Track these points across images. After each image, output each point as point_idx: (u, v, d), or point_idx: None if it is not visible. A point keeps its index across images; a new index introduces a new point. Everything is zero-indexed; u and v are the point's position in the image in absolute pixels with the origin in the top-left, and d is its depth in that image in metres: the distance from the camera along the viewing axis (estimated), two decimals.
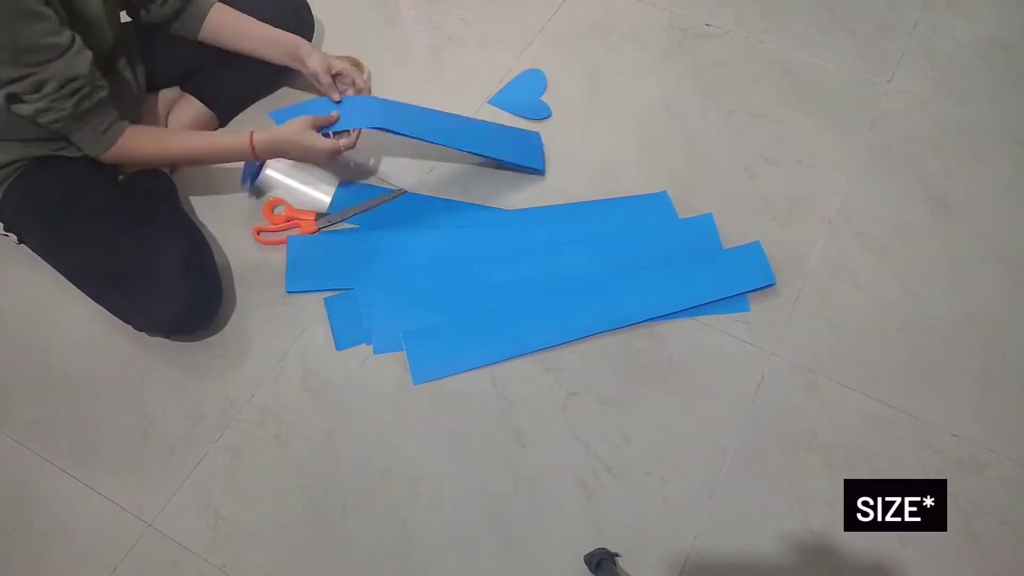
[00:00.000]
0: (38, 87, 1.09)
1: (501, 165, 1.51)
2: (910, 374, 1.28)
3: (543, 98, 1.63)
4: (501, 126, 1.56)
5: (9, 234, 1.32)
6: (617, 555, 1.10)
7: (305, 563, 1.12)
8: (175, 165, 1.44)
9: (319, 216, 1.43)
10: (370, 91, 1.46)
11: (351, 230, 1.43)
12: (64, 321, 1.33)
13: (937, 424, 1.23)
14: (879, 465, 1.19)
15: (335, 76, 1.44)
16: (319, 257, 1.39)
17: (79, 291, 1.29)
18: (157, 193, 1.38)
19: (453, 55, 1.72)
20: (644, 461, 1.20)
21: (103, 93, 1.17)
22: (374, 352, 1.28)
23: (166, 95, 1.50)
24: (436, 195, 1.48)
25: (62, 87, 1.11)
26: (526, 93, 1.65)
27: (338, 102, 1.41)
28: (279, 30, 1.43)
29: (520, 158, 1.50)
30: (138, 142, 1.24)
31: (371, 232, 1.42)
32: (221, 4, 1.41)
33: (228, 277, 1.37)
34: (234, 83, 1.54)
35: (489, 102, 1.63)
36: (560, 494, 1.17)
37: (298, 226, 1.42)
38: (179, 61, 1.45)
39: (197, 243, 1.33)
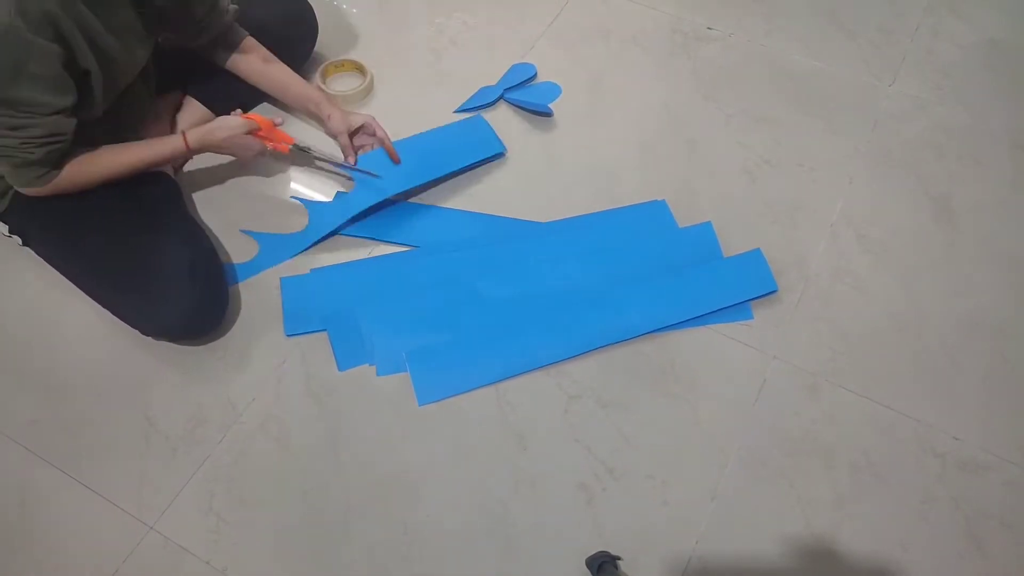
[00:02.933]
0: (15, 128, 1.09)
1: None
2: (912, 377, 1.28)
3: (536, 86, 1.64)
4: (443, 129, 1.56)
5: (13, 236, 1.32)
6: (619, 558, 1.10)
7: (306, 566, 1.11)
8: (115, 180, 1.30)
9: (295, 148, 1.40)
10: (388, 139, 1.47)
11: (346, 263, 1.40)
12: (67, 323, 1.33)
13: (939, 427, 1.22)
14: (881, 468, 1.19)
15: (356, 131, 1.46)
16: (315, 295, 1.36)
17: (82, 293, 1.30)
18: (163, 197, 1.39)
19: (455, 58, 1.73)
20: (645, 464, 1.20)
21: (68, 147, 1.17)
22: (377, 374, 1.28)
23: (170, 99, 1.51)
24: (436, 203, 1.49)
25: (43, 136, 1.11)
26: (529, 88, 1.65)
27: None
28: (302, 81, 1.47)
29: (480, 153, 1.51)
30: (77, 172, 1.21)
31: (366, 261, 1.41)
32: (251, 39, 1.42)
33: (231, 280, 1.37)
34: (236, 87, 1.54)
35: (505, 97, 1.64)
36: (561, 497, 1.17)
37: (275, 146, 1.38)
38: (183, 65, 1.45)
39: (203, 247, 1.33)
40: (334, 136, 1.47)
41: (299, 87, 1.46)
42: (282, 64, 1.46)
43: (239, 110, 1.36)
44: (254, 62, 1.43)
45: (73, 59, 1.11)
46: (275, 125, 1.37)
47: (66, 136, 1.14)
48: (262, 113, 1.49)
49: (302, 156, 1.44)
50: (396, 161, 1.46)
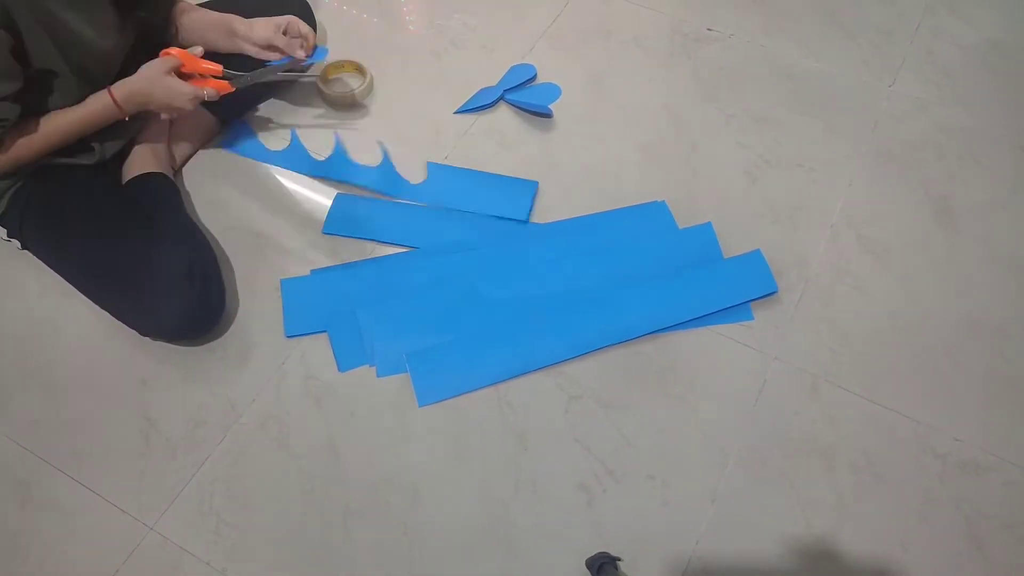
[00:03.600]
0: None
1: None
2: (912, 378, 1.28)
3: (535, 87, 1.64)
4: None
5: (12, 240, 1.33)
6: (619, 559, 1.10)
7: (306, 567, 1.11)
8: (58, 148, 1.28)
9: (228, 76, 1.32)
10: (312, 34, 1.43)
11: (346, 264, 1.40)
12: (66, 324, 1.33)
13: (939, 428, 1.22)
14: (881, 469, 1.19)
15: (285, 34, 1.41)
16: (315, 296, 1.36)
17: (81, 294, 1.30)
18: (160, 197, 1.39)
19: (455, 59, 1.73)
20: (646, 465, 1.20)
21: (6, 133, 1.17)
22: (377, 375, 1.28)
23: None
24: (436, 205, 1.49)
25: None
26: (528, 89, 1.65)
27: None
28: (214, 13, 1.42)
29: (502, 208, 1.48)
30: (16, 150, 1.20)
31: (366, 262, 1.40)
32: (185, 3, 1.41)
33: (231, 280, 1.37)
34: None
35: (507, 98, 1.64)
36: (562, 498, 1.17)
37: (208, 86, 1.30)
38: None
39: (200, 247, 1.33)
40: (267, 44, 1.40)
41: (213, 17, 1.41)
42: (199, 8, 1.42)
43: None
44: (183, 19, 1.39)
45: (25, 50, 1.10)
46: (197, 56, 1.29)
47: (7, 122, 1.13)
48: None
49: (241, 81, 1.34)
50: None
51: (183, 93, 1.26)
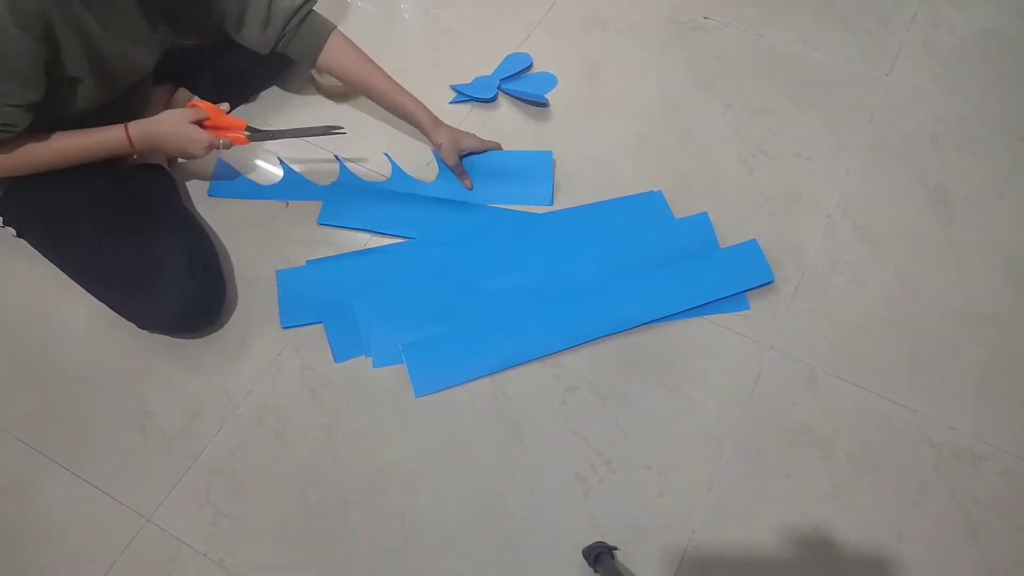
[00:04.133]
0: None
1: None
2: (908, 367, 1.28)
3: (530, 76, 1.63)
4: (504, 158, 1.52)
5: (7, 228, 1.32)
6: (615, 548, 1.11)
7: (303, 557, 1.12)
8: (53, 169, 1.24)
9: (251, 131, 1.31)
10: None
11: (342, 255, 1.40)
12: (62, 316, 1.33)
13: (935, 417, 1.23)
14: (877, 458, 1.19)
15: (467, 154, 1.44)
16: (311, 287, 1.35)
17: (78, 286, 1.29)
18: (159, 189, 1.38)
19: (450, 49, 1.72)
20: (642, 455, 1.20)
21: (14, 138, 1.15)
22: (373, 366, 1.28)
23: (162, 92, 1.49)
24: (432, 194, 1.48)
25: None
26: (524, 79, 1.65)
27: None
28: (403, 96, 1.39)
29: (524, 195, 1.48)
30: (11, 161, 1.17)
31: (362, 253, 1.40)
32: (340, 34, 1.36)
33: (228, 273, 1.37)
34: (227, 80, 1.53)
35: (503, 88, 1.63)
36: (558, 488, 1.17)
37: (226, 136, 1.29)
38: (175, 59, 1.44)
39: (200, 240, 1.33)
40: (443, 158, 1.44)
41: (400, 103, 1.39)
42: (381, 73, 1.39)
43: (195, 98, 1.29)
44: (347, 67, 1.36)
45: (58, 60, 1.09)
46: (223, 112, 1.29)
47: (16, 128, 1.11)
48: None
49: (261, 136, 1.33)
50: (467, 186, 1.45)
51: (198, 141, 1.24)
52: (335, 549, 1.12)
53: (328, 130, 1.35)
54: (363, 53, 1.38)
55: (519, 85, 1.63)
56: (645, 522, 1.14)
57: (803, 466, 1.19)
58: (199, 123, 1.26)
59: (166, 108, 1.47)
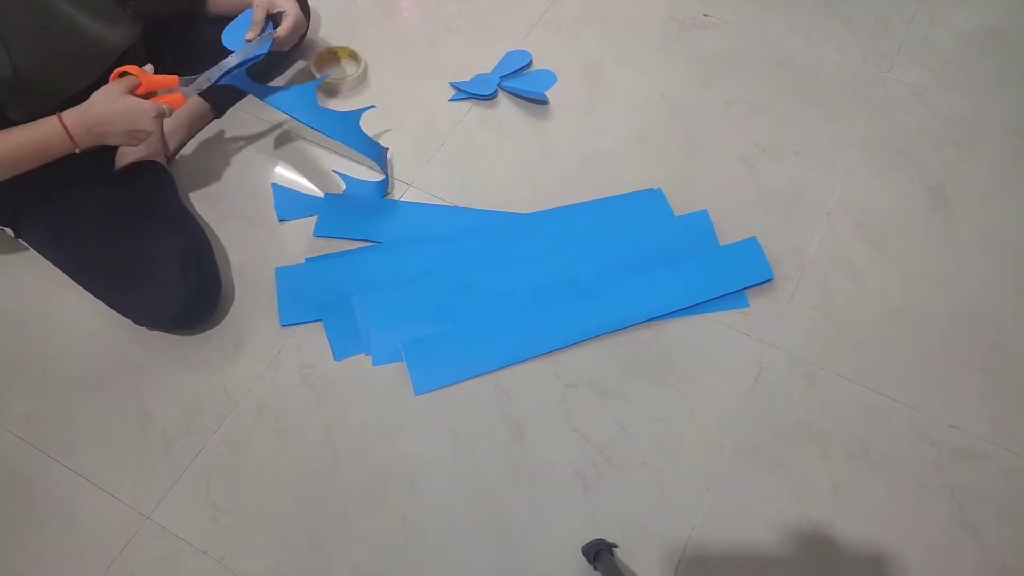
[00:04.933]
0: None
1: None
2: (908, 365, 1.28)
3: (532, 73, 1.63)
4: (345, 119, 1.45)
5: (6, 228, 1.32)
6: (615, 546, 1.11)
7: (303, 555, 1.12)
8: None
9: (183, 83, 1.22)
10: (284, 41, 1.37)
11: (341, 252, 1.39)
12: (62, 314, 1.33)
13: (935, 415, 1.23)
14: (877, 456, 1.19)
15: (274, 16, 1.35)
16: (311, 285, 1.35)
17: (77, 285, 1.29)
18: (155, 187, 1.38)
19: (450, 46, 1.72)
20: (642, 452, 1.20)
21: None
22: (373, 364, 1.28)
23: None
24: (430, 197, 1.48)
25: None
26: (524, 76, 1.65)
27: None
28: None
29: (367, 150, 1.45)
30: None
31: (362, 251, 1.40)
32: None
33: (226, 269, 1.37)
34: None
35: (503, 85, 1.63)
36: (558, 486, 1.17)
37: (166, 101, 1.19)
38: (174, 52, 1.44)
39: (195, 236, 1.33)
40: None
41: None
42: None
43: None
44: None
45: (11, 41, 1.06)
46: (150, 72, 1.19)
47: None
48: None
49: (197, 85, 1.25)
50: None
51: (145, 110, 1.13)
52: (335, 546, 1.12)
53: (258, 41, 1.30)
54: None
55: (519, 82, 1.63)
56: (645, 520, 1.14)
57: (803, 464, 1.19)
58: (133, 91, 1.15)
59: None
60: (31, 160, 1.11)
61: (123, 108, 1.12)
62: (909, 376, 1.27)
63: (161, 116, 1.17)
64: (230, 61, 1.29)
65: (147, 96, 1.18)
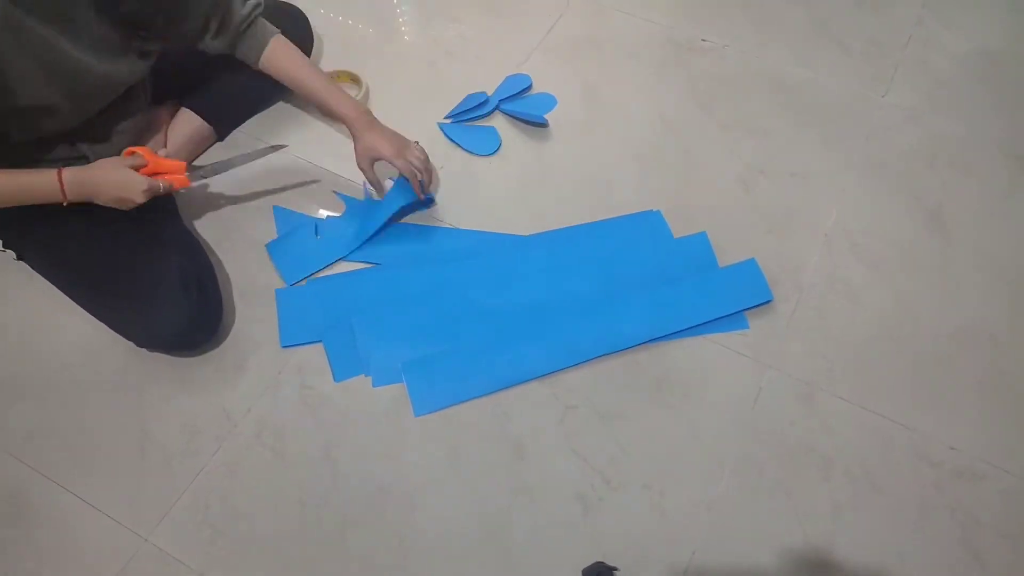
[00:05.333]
0: None
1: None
2: (907, 386, 1.28)
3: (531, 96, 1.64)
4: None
5: (8, 250, 1.32)
6: (615, 569, 1.10)
7: None
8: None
9: (191, 168, 1.31)
10: (428, 182, 1.43)
11: (341, 273, 1.40)
12: (61, 334, 1.33)
13: (934, 436, 1.23)
14: (877, 478, 1.19)
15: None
16: (311, 306, 1.35)
17: (77, 307, 1.29)
18: (157, 209, 1.38)
19: (451, 70, 1.73)
20: (642, 474, 1.20)
21: None
22: (373, 385, 1.28)
23: (167, 110, 1.50)
24: (430, 219, 1.49)
25: None
26: (524, 99, 1.66)
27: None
28: (336, 96, 1.36)
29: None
30: None
31: (362, 272, 1.40)
32: (281, 38, 1.36)
33: (227, 290, 1.37)
34: (231, 98, 1.54)
35: (502, 108, 1.65)
36: (558, 507, 1.17)
37: (169, 180, 1.25)
38: (177, 76, 1.45)
39: (196, 257, 1.33)
40: (358, 164, 1.40)
41: (331, 103, 1.36)
42: (316, 72, 1.37)
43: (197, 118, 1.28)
44: (284, 68, 1.35)
45: (6, 85, 1.07)
46: (162, 156, 1.26)
47: None
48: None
49: (203, 173, 1.33)
50: (419, 197, 1.41)
51: (135, 184, 1.19)
52: (334, 569, 1.12)
53: (272, 149, 1.36)
54: (301, 55, 1.38)
55: (519, 106, 1.65)
56: (645, 542, 1.14)
57: (803, 485, 1.18)
58: (136, 169, 1.22)
59: (170, 125, 1.49)
60: (24, 200, 1.17)
61: (118, 179, 1.19)
62: (908, 397, 1.27)
63: (153, 192, 1.22)
64: (241, 157, 1.37)
65: (152, 175, 1.24)
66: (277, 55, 1.35)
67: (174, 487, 1.18)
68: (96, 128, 1.27)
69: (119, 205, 1.21)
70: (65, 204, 1.18)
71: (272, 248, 1.42)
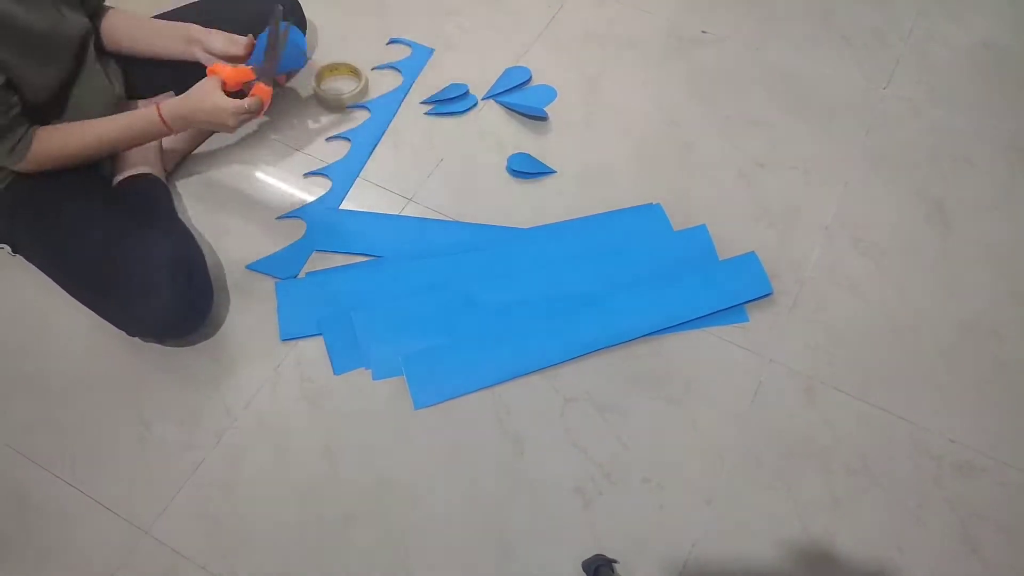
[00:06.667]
0: None
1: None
2: (907, 379, 1.28)
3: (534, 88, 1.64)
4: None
5: (4, 246, 1.32)
6: (615, 561, 1.10)
7: (303, 570, 1.11)
8: (96, 157, 1.30)
9: (256, 72, 1.31)
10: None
11: (341, 267, 1.40)
12: (60, 328, 1.33)
13: (934, 429, 1.23)
14: (876, 471, 1.19)
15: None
16: (310, 299, 1.35)
17: (75, 299, 1.29)
18: (150, 198, 1.38)
19: (451, 62, 1.73)
20: (642, 467, 1.20)
21: (16, 111, 1.16)
22: (373, 378, 1.27)
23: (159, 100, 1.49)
24: (430, 212, 1.49)
25: None
26: (523, 92, 1.66)
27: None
28: (172, 21, 1.40)
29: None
30: (49, 144, 1.21)
31: (361, 265, 1.40)
32: (115, 10, 1.38)
33: (223, 281, 1.37)
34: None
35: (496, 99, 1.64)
36: (558, 501, 1.17)
37: (256, 93, 1.29)
38: (154, 76, 1.44)
39: (185, 245, 1.31)
40: (224, 53, 1.35)
41: (171, 25, 1.37)
42: (145, 18, 1.38)
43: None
44: (121, 25, 1.37)
45: None
46: (236, 67, 1.28)
47: (10, 109, 1.14)
48: None
49: (266, 72, 1.31)
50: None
51: (224, 113, 1.25)
52: (333, 562, 1.12)
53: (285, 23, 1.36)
54: (132, 17, 1.39)
55: (518, 98, 1.64)
56: (645, 535, 1.14)
57: (802, 478, 1.18)
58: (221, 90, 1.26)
59: None
60: (130, 141, 1.28)
61: (210, 108, 1.25)
62: (908, 390, 1.27)
63: (241, 116, 1.26)
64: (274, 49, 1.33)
65: (237, 93, 1.29)
66: (116, 18, 1.38)
67: (174, 480, 1.18)
68: (70, 115, 1.27)
69: (219, 129, 1.30)
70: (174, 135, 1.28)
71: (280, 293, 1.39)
